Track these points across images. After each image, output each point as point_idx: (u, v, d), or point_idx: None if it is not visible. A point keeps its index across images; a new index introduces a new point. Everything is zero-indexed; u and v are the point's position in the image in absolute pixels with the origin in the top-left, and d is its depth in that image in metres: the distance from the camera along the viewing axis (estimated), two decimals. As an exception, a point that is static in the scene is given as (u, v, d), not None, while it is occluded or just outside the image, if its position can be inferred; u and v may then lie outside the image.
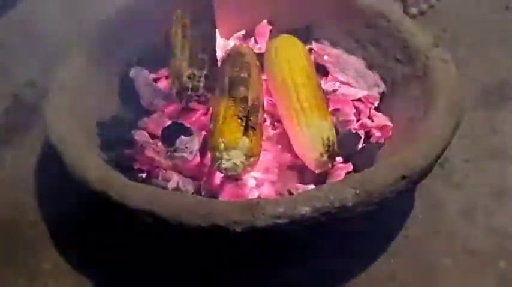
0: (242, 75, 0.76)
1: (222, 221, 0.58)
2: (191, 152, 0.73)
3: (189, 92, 0.77)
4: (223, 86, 0.75)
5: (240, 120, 0.69)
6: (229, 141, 0.67)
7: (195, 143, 0.74)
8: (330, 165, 0.71)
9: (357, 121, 0.78)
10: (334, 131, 0.72)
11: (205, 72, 0.78)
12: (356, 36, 0.86)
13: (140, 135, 0.78)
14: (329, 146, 0.70)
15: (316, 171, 0.71)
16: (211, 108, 0.77)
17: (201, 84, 0.77)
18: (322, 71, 0.84)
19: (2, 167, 0.86)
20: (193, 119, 0.79)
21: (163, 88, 0.83)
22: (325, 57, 0.85)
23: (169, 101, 0.81)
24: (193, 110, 0.80)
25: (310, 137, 0.71)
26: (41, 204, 0.80)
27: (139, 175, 0.74)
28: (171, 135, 0.74)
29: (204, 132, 0.76)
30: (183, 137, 0.73)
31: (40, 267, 0.73)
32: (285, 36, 0.83)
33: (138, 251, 0.72)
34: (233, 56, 0.80)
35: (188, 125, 0.75)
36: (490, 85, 0.93)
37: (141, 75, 0.84)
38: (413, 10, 1.08)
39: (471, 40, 1.01)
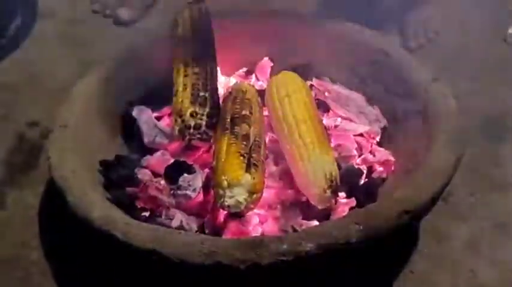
0: (244, 112, 0.76)
1: (226, 259, 0.58)
2: (194, 190, 0.73)
3: (191, 130, 0.77)
4: (225, 123, 0.75)
5: (242, 157, 0.70)
6: (232, 179, 0.67)
7: (198, 181, 0.74)
8: (333, 200, 0.71)
9: (359, 156, 0.79)
10: (336, 166, 0.72)
11: (207, 110, 0.78)
12: (356, 71, 0.87)
13: (143, 174, 0.78)
14: (332, 181, 0.70)
15: (320, 207, 0.71)
16: (213, 146, 0.77)
17: (203, 122, 0.77)
18: (323, 107, 0.85)
19: (5, 206, 0.86)
20: (196, 156, 0.79)
21: (165, 126, 0.84)
22: (326, 93, 0.86)
23: (171, 139, 0.82)
24: (196, 148, 0.80)
25: (313, 172, 0.71)
26: (44, 243, 0.80)
27: (143, 213, 0.74)
28: (174, 173, 0.74)
29: (206, 170, 0.76)
30: (186, 175, 0.74)
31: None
32: (286, 72, 0.84)
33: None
34: (235, 93, 0.81)
35: (191, 163, 0.75)
36: (491, 117, 0.93)
37: (143, 114, 0.84)
38: (412, 44, 1.09)
39: (470, 73, 1.02)
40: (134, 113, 0.84)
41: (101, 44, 1.10)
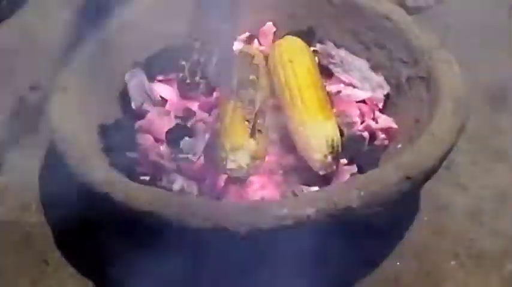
0: (251, 77, 0.76)
1: (226, 222, 0.58)
2: (195, 154, 0.73)
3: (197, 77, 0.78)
4: (231, 85, 0.75)
5: (247, 122, 0.69)
6: (236, 143, 0.67)
7: (200, 145, 0.73)
8: (334, 166, 0.71)
9: (362, 123, 0.78)
10: (338, 132, 0.72)
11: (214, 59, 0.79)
12: (360, 37, 0.86)
13: (144, 139, 0.77)
14: (333, 147, 0.70)
15: (321, 172, 0.71)
16: (218, 108, 0.77)
17: (210, 68, 0.79)
18: (326, 72, 0.84)
19: (7, 169, 0.86)
20: (195, 120, 0.79)
21: (158, 91, 0.83)
22: (330, 59, 0.85)
23: (158, 106, 0.82)
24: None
25: (314, 138, 0.70)
26: (46, 206, 0.80)
27: (143, 178, 0.74)
28: (175, 137, 0.74)
29: (207, 135, 0.76)
30: (187, 138, 0.73)
31: (43, 269, 0.73)
32: (289, 37, 0.83)
33: (142, 253, 0.72)
34: (242, 57, 0.80)
35: (192, 127, 0.75)
36: (495, 86, 0.93)
37: (133, 79, 0.83)
38: (410, 2, 1.07)
39: (474, 41, 1.01)
40: (126, 77, 0.84)
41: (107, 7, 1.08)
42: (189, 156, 0.73)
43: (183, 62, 0.81)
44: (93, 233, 0.75)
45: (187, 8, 0.85)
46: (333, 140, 0.70)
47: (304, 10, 0.89)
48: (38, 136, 0.89)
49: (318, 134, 0.70)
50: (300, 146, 0.73)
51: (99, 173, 0.65)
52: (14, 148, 0.89)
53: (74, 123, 0.72)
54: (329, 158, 0.70)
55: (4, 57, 1.05)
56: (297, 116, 0.73)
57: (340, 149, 0.71)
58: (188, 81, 0.81)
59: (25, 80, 1.00)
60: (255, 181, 0.71)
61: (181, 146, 0.73)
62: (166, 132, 0.75)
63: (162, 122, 0.78)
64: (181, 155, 0.73)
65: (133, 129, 0.79)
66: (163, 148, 0.76)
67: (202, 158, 0.73)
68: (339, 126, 0.74)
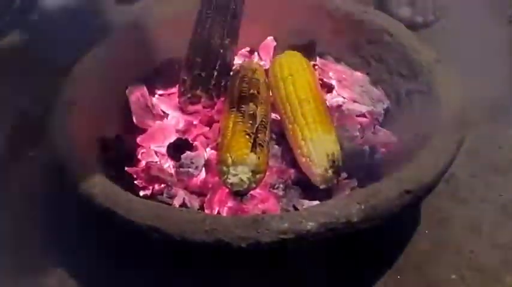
0: (252, 91, 0.76)
1: (227, 237, 0.58)
2: (197, 168, 0.73)
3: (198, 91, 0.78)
4: (232, 100, 0.75)
5: (248, 137, 0.70)
6: (237, 157, 0.67)
7: (201, 159, 0.74)
8: (335, 180, 0.71)
9: (362, 137, 0.78)
10: (339, 147, 0.72)
11: (215, 73, 0.80)
12: (359, 51, 0.86)
13: (144, 154, 0.78)
14: (334, 161, 0.70)
15: (321, 187, 0.71)
16: (219, 122, 0.77)
17: (212, 82, 0.79)
18: (326, 86, 0.84)
19: (7, 181, 0.86)
20: (196, 134, 0.79)
21: (159, 105, 0.84)
22: (330, 73, 0.85)
23: (159, 120, 0.82)
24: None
25: (315, 152, 0.71)
26: (45, 219, 0.80)
27: (144, 192, 0.74)
28: (176, 151, 0.74)
29: (209, 149, 0.76)
30: (188, 152, 0.74)
31: (45, 282, 0.73)
32: (289, 52, 0.83)
33: (144, 265, 0.72)
34: (243, 71, 0.81)
35: (193, 142, 0.75)
36: (495, 100, 0.93)
37: (133, 93, 0.84)
38: (419, 19, 1.08)
39: (475, 55, 1.01)
40: (127, 91, 0.84)
41: (108, 19, 1.09)
42: (191, 170, 0.73)
43: (185, 77, 0.82)
44: (94, 248, 0.75)
45: (189, 23, 0.86)
46: (333, 155, 0.70)
47: (305, 25, 0.89)
48: (40, 149, 0.90)
49: (318, 149, 0.71)
50: (300, 160, 0.73)
51: (100, 187, 0.65)
52: (15, 162, 0.89)
53: (75, 136, 0.72)
54: (330, 172, 0.70)
55: (6, 71, 1.05)
56: (298, 130, 0.73)
57: (340, 163, 0.71)
58: (189, 95, 0.81)
59: (28, 92, 1.00)
60: (256, 195, 0.71)
61: (182, 160, 0.73)
62: (168, 146, 0.76)
63: (163, 137, 0.79)
64: (182, 169, 0.73)
65: (134, 144, 0.79)
66: (164, 162, 0.76)
67: (203, 172, 0.74)
68: (339, 140, 0.74)
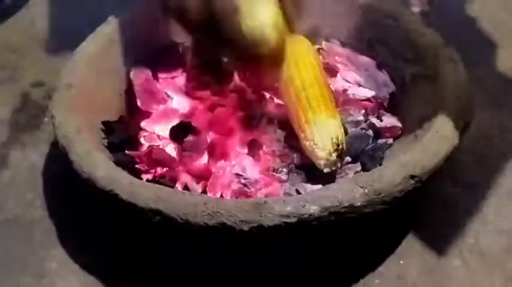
0: None
1: (229, 220, 0.58)
2: (199, 151, 0.73)
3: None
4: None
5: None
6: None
7: (204, 143, 0.73)
8: (338, 164, 0.70)
9: (366, 121, 0.78)
10: (342, 130, 0.72)
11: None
12: (365, 35, 0.86)
13: (147, 137, 0.77)
14: (338, 145, 0.70)
15: (325, 170, 0.71)
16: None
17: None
18: (331, 70, 0.84)
19: (9, 166, 0.86)
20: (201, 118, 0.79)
21: (163, 88, 0.83)
22: (336, 57, 0.85)
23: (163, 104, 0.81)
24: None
25: (319, 135, 0.70)
26: (48, 203, 0.80)
27: (146, 175, 0.73)
28: (179, 134, 0.74)
29: (211, 132, 0.76)
30: (191, 136, 0.73)
31: (47, 266, 0.73)
32: (293, 35, 0.82)
33: (145, 250, 0.72)
34: None
35: (195, 125, 0.75)
36: (500, 84, 0.92)
37: (138, 76, 0.83)
38: (415, 9, 1.07)
39: (479, 40, 1.01)
40: (131, 74, 0.83)
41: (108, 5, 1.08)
42: (193, 154, 0.72)
43: (194, 61, 0.81)
44: (97, 230, 0.75)
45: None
46: (337, 138, 0.70)
47: (309, 9, 0.88)
48: (41, 133, 0.90)
49: (322, 132, 0.70)
50: (304, 143, 0.72)
51: (103, 170, 0.65)
52: (18, 144, 0.89)
53: (77, 120, 0.72)
54: (333, 156, 0.69)
55: (7, 54, 1.05)
56: (302, 114, 0.72)
57: (344, 147, 0.71)
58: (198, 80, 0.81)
59: (29, 76, 1.00)
60: (260, 179, 0.71)
61: (185, 143, 0.73)
62: (171, 129, 0.75)
63: (167, 120, 0.78)
64: (185, 153, 0.73)
65: (137, 127, 0.79)
66: (166, 145, 0.76)
67: (206, 156, 0.73)
68: (343, 125, 0.74)
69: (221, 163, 0.73)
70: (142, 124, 0.79)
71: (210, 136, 0.75)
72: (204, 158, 0.73)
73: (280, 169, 0.73)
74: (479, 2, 1.09)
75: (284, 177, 0.73)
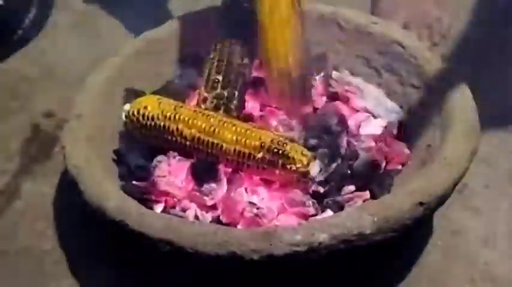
0: None
1: (239, 249, 0.58)
2: (213, 199, 0.72)
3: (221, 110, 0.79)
4: None
5: None
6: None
7: (221, 191, 0.72)
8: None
9: (376, 148, 0.78)
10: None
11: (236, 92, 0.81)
12: (371, 63, 0.86)
13: (157, 168, 0.77)
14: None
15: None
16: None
17: (234, 102, 0.80)
18: (343, 99, 0.84)
19: (20, 196, 0.86)
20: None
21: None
22: (345, 87, 0.85)
23: None
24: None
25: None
26: (59, 233, 0.81)
27: (157, 206, 0.73)
28: (199, 174, 0.73)
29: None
30: (212, 184, 0.72)
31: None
32: None
33: (155, 279, 0.72)
34: None
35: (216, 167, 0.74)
36: (506, 109, 0.92)
37: None
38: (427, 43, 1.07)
39: (487, 65, 1.01)
40: None
41: (117, 35, 1.10)
42: (207, 199, 0.72)
43: (206, 95, 0.81)
44: (107, 260, 0.75)
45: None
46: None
47: (315, 36, 0.89)
48: (52, 163, 0.90)
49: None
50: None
51: (113, 200, 0.65)
52: (29, 174, 0.89)
53: (87, 149, 0.73)
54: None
55: (19, 84, 1.06)
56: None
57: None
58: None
59: (40, 107, 1.01)
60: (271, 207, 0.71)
61: (203, 188, 0.72)
62: (193, 165, 0.74)
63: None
64: (199, 194, 0.72)
65: (148, 156, 0.79)
66: (174, 177, 0.75)
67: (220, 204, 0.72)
68: (355, 151, 0.75)
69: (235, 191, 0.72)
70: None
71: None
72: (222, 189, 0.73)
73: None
74: (475, 25, 1.09)
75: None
